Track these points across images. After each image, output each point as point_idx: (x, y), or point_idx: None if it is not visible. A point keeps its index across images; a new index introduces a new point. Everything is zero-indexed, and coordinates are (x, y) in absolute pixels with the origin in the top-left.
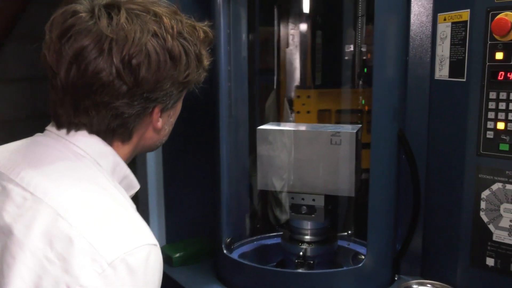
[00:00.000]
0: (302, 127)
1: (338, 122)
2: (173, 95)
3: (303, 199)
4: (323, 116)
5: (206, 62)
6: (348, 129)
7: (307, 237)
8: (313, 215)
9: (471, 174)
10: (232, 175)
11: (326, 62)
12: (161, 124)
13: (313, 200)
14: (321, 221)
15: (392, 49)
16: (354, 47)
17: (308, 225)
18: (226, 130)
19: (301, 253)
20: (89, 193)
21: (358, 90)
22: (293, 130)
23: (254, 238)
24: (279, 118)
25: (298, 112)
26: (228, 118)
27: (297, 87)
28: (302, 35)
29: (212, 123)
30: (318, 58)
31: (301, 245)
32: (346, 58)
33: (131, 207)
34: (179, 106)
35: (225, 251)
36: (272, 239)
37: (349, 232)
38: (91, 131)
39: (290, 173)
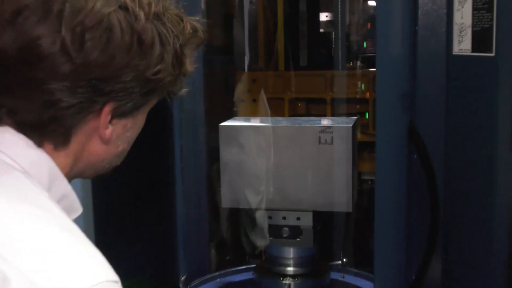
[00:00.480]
0: (281, 122)
1: (294, 115)
2: (134, 94)
3: (284, 218)
4: (274, 106)
5: (189, 67)
6: (341, 122)
7: (290, 269)
8: (298, 239)
9: (505, 175)
10: (189, 190)
11: (285, 37)
12: (110, 133)
13: (298, 219)
14: (309, 246)
15: (396, 17)
16: (335, 17)
17: (291, 252)
18: (178, 130)
19: None
20: (28, 217)
21: (322, 73)
22: (270, 127)
23: (217, 274)
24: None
25: (241, 100)
26: (179, 112)
27: (249, 70)
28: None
29: (159, 121)
30: (274, 30)
31: (282, 279)
32: (316, 31)
33: (82, 234)
34: (141, 118)
35: None
36: (242, 274)
37: (344, 260)
38: (16, 124)
39: (266, 184)
